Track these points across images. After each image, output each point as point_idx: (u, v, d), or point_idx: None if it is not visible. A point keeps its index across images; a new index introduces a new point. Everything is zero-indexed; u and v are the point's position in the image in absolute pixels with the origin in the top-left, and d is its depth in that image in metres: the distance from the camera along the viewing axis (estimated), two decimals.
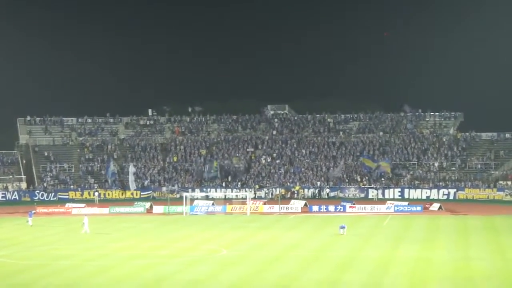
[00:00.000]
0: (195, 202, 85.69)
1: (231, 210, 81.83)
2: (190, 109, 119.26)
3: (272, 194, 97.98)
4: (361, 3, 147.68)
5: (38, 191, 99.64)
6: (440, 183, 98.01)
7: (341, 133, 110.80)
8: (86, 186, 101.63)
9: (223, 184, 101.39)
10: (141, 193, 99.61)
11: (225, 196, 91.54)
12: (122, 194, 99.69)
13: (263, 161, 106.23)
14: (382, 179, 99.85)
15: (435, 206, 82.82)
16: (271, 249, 53.00)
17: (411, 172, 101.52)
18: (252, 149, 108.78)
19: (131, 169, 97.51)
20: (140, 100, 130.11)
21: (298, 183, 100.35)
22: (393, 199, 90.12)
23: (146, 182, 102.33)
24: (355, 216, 76.69)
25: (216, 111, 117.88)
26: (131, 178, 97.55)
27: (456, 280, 40.82)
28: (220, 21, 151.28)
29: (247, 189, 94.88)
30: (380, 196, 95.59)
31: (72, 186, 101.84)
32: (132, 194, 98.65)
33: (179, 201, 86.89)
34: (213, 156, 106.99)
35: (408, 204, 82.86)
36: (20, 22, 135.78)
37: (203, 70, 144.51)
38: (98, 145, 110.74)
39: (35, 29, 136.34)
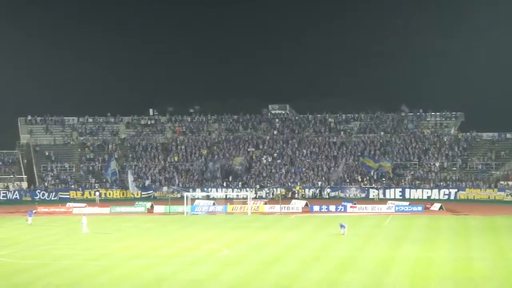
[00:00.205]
0: (196, 202, 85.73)
1: (232, 210, 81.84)
2: (192, 110, 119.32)
3: (273, 194, 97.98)
4: (361, 3, 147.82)
5: (39, 191, 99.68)
6: (441, 183, 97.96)
7: (342, 133, 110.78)
8: (87, 186, 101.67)
9: (224, 184, 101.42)
10: (142, 193, 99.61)
11: (226, 196, 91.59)
12: (123, 194, 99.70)
13: (264, 161, 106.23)
14: (383, 179, 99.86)
15: (436, 206, 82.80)
16: (272, 249, 53.00)
17: (412, 172, 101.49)
18: (253, 149, 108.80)
19: (130, 177, 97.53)
20: (141, 99, 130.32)
21: (299, 183, 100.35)
22: (394, 199, 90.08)
23: (147, 182, 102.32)
24: (356, 216, 76.68)
25: (217, 111, 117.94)
26: (131, 185, 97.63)
27: (457, 280, 40.79)
28: (220, 21, 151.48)
29: (248, 189, 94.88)
30: (381, 196, 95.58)
31: (73, 186, 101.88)
32: (133, 194, 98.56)
33: (180, 201, 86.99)
34: (214, 156, 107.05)
35: (409, 204, 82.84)
36: (21, 22, 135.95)
37: (203, 70, 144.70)
38: (99, 144, 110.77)
39: (35, 29, 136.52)
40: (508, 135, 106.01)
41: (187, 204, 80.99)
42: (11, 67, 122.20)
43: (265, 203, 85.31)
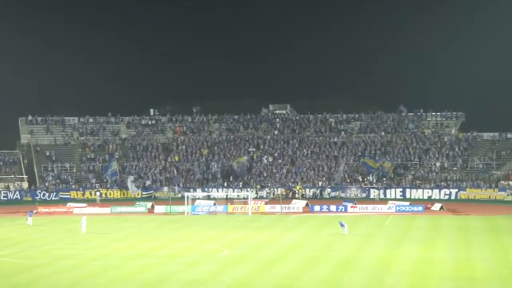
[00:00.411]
0: (197, 202, 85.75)
1: (233, 210, 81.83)
2: (194, 110, 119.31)
3: (273, 194, 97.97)
4: (362, 3, 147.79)
5: (39, 191, 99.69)
6: (442, 183, 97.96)
7: (342, 133, 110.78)
8: (88, 186, 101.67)
9: (225, 184, 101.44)
10: (143, 193, 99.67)
11: (227, 196, 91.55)
12: (123, 194, 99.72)
13: (265, 161, 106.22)
14: (384, 179, 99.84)
15: (437, 206, 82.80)
16: (273, 248, 53.00)
17: (413, 172, 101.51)
18: (254, 149, 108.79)
19: (131, 185, 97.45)
20: (142, 99, 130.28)
21: (299, 183, 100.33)
22: (395, 199, 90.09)
23: (147, 182, 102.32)
24: (356, 216, 76.68)
25: (218, 111, 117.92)
26: (131, 189, 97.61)
27: (457, 280, 40.78)
28: (221, 22, 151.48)
29: (248, 189, 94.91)
30: (382, 196, 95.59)
31: (73, 186, 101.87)
32: (133, 194, 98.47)
33: (180, 201, 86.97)
34: (215, 155, 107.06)
35: (410, 204, 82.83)
36: (21, 22, 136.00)
37: (204, 70, 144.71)
38: (99, 144, 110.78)
39: (36, 29, 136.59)
40: (509, 135, 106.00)
41: (187, 204, 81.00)
42: (12, 67, 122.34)
43: (266, 203, 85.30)
